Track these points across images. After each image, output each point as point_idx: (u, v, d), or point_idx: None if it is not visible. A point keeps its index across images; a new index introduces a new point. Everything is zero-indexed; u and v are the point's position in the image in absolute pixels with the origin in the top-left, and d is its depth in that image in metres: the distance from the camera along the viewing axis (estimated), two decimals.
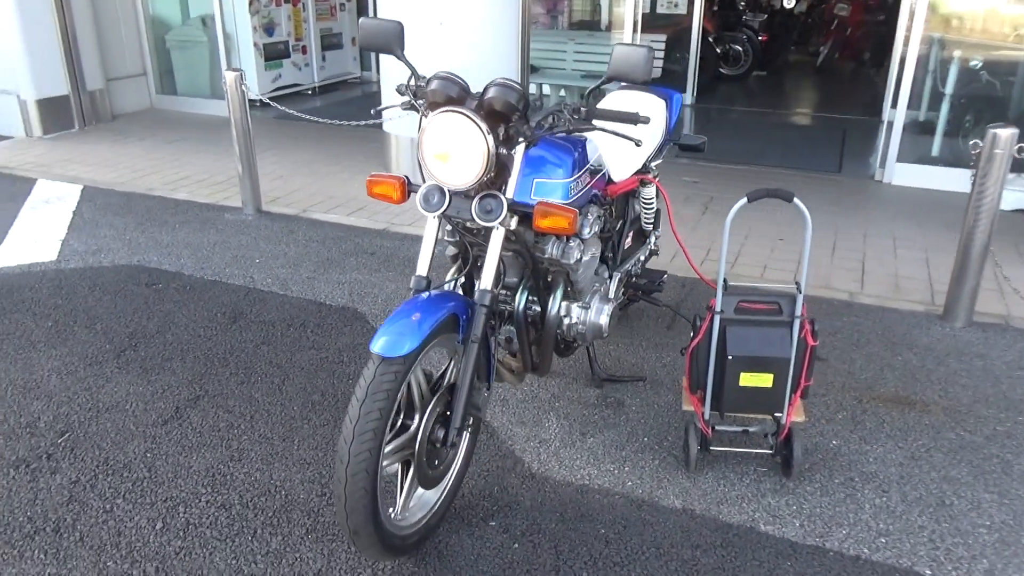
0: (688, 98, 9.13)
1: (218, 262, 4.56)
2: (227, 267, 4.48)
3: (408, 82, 2.42)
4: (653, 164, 3.40)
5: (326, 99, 9.44)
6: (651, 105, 3.46)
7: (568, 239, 2.60)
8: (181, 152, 6.97)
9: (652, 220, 3.52)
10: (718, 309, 2.59)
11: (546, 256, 2.58)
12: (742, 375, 2.58)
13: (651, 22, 9.38)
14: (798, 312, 2.56)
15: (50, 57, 7.35)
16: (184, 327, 3.78)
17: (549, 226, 2.27)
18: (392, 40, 2.41)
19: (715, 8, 10.84)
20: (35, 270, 4.44)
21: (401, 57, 2.42)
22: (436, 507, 2.43)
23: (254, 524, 2.52)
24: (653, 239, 3.57)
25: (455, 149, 2.18)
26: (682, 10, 9.03)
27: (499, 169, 2.30)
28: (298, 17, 9.36)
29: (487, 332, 2.48)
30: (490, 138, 2.15)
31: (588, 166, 2.64)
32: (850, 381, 3.37)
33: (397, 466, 2.29)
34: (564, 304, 2.77)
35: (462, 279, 2.65)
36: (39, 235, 4.96)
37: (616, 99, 3.53)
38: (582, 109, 2.32)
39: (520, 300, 2.65)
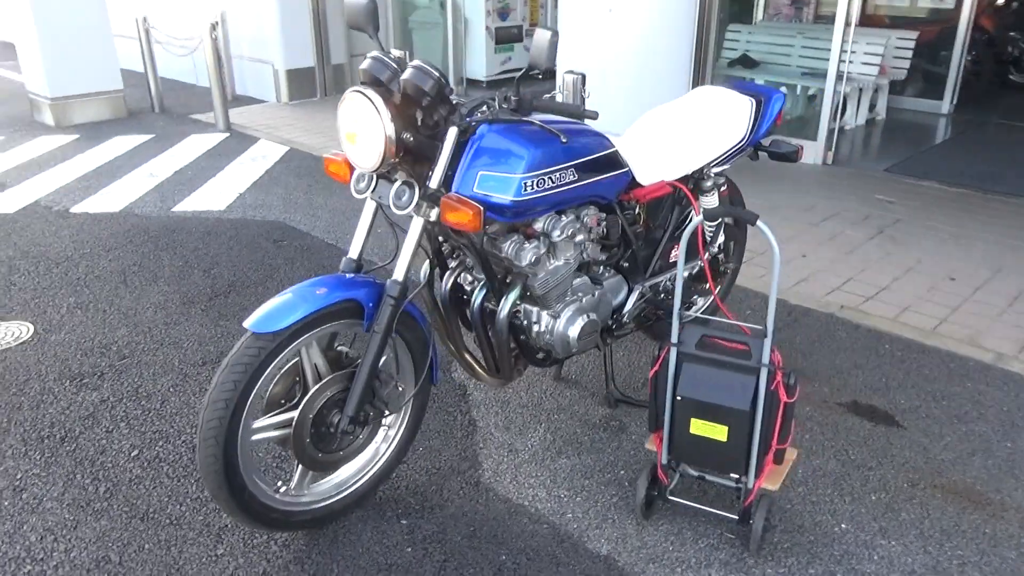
0: (945, 106, 7.87)
1: (346, 228, 4.86)
2: (348, 233, 4.76)
3: None
4: (714, 170, 2.99)
5: (552, 83, 9.56)
6: (732, 104, 3.04)
7: (525, 239, 2.40)
8: None
9: (714, 233, 3.11)
10: (674, 340, 2.23)
11: (503, 255, 2.40)
12: (693, 421, 2.22)
13: (911, 17, 8.22)
14: (765, 359, 2.12)
15: (301, 33, 8.29)
16: (277, 282, 4.10)
17: (455, 221, 2.12)
18: (364, 18, 2.38)
19: (1013, 4, 9.14)
20: (202, 216, 5.08)
21: (373, 36, 2.39)
22: (341, 494, 2.39)
23: None
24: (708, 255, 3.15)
25: (361, 130, 2.12)
26: (949, 4, 7.76)
27: (421, 156, 2.19)
28: (534, 3, 9.56)
29: (423, 326, 2.40)
30: (389, 123, 2.05)
31: (575, 162, 2.40)
32: (917, 459, 2.72)
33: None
34: (536, 311, 2.58)
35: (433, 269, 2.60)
36: (226, 187, 5.66)
37: (696, 96, 3.17)
38: (512, 98, 2.12)
39: (476, 298, 2.52)
